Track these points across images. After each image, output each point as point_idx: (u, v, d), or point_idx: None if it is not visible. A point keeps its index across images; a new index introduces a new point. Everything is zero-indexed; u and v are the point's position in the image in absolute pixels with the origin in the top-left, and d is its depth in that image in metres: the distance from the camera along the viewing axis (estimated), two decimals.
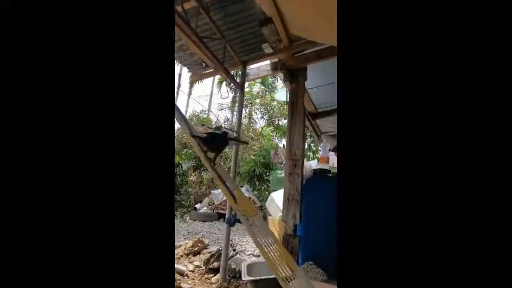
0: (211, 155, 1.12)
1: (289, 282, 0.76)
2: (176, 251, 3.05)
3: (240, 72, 2.66)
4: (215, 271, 2.45)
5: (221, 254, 2.35)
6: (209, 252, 2.82)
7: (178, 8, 1.65)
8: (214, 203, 6.10)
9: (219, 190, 6.19)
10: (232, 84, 2.61)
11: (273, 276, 1.84)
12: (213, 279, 2.36)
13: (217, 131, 1.24)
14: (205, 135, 1.19)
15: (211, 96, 11.74)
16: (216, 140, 1.17)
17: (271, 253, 0.82)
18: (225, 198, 5.76)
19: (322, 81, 2.98)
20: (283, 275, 0.77)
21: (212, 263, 2.54)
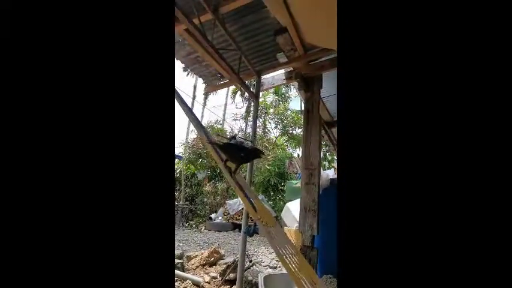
0: (231, 164, 1.10)
1: None
2: (192, 261, 3.03)
3: (254, 82, 2.68)
4: (231, 282, 2.41)
5: (237, 264, 2.31)
6: (225, 263, 2.78)
7: (195, 21, 1.70)
8: (229, 213, 6.08)
9: (234, 200, 6.18)
10: (246, 94, 2.64)
11: None
12: None
13: (243, 143, 1.21)
14: (232, 142, 1.15)
15: (225, 106, 11.90)
16: (242, 152, 1.11)
17: (293, 264, 0.80)
18: (240, 208, 5.73)
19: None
20: (306, 287, 0.74)
21: (228, 274, 2.50)
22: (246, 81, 2.62)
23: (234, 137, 2.09)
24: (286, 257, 0.80)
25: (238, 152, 1.09)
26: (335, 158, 6.27)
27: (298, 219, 2.36)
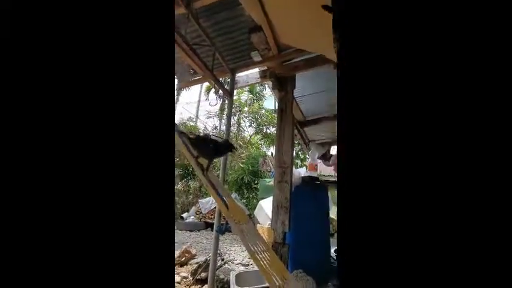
0: (203, 161, 1.07)
1: None
2: None
3: (228, 80, 2.66)
4: (203, 282, 2.39)
5: (209, 264, 2.29)
6: (196, 263, 2.74)
7: None
8: (201, 212, 5.99)
9: (207, 199, 6.10)
10: (220, 91, 2.61)
11: (262, 285, 1.81)
12: None
13: (218, 139, 1.18)
14: (200, 136, 1.12)
15: (199, 103, 11.68)
16: (212, 144, 1.08)
17: (264, 261, 0.80)
18: (213, 207, 5.67)
19: (310, 90, 3.03)
20: (276, 283, 0.75)
21: (200, 273, 2.47)
22: (220, 79, 2.59)
23: (207, 135, 2.06)
24: (258, 254, 0.81)
25: (208, 144, 1.07)
26: (307, 156, 6.43)
27: (270, 217, 2.40)
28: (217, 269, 2.36)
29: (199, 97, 11.35)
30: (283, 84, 2.38)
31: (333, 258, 2.79)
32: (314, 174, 2.59)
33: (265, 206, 4.14)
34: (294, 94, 2.56)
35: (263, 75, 2.55)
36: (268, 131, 8.86)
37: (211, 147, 1.06)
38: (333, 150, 4.65)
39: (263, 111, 9.02)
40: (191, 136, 1.10)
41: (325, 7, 1.14)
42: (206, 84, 7.89)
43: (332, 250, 2.89)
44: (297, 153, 7.35)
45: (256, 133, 9.05)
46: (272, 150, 8.21)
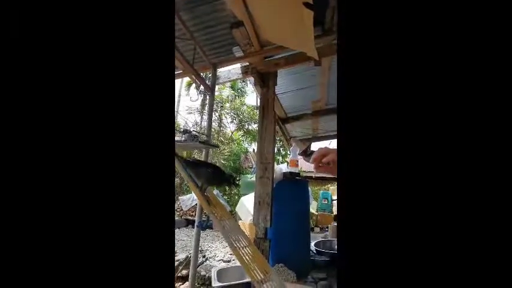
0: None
1: (263, 284, 0.75)
2: None
3: (210, 75, 2.62)
4: (184, 279, 2.36)
5: (190, 261, 2.27)
6: (177, 260, 2.70)
7: None
8: (182, 209, 5.90)
9: (188, 196, 6.01)
10: (201, 86, 2.57)
11: (243, 281, 1.82)
12: None
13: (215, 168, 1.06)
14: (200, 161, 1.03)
15: (179, 98, 11.44)
16: (214, 172, 1.00)
17: (246, 256, 0.81)
18: (194, 203, 5.60)
19: (292, 87, 3.06)
20: (258, 277, 0.76)
21: (181, 271, 2.44)
22: (202, 74, 2.55)
23: (187, 131, 2.02)
24: (240, 249, 0.81)
25: (207, 168, 1.01)
26: (288, 153, 6.51)
27: (252, 213, 2.41)
28: (199, 265, 2.35)
29: (180, 92, 11.09)
30: (265, 81, 2.39)
31: (313, 252, 2.87)
32: (295, 170, 2.62)
33: (247, 203, 4.15)
34: (276, 91, 2.57)
35: (245, 71, 2.54)
36: (250, 127, 8.87)
37: (210, 172, 0.99)
38: (313, 146, 4.75)
39: (245, 107, 9.01)
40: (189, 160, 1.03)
41: (306, 4, 1.15)
42: (187, 79, 7.73)
43: (312, 244, 2.96)
44: (278, 150, 7.42)
45: (238, 129, 9.03)
46: (254, 146, 8.23)
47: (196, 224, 2.05)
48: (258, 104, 2.49)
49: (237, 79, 2.81)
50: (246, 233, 2.70)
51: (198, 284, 2.26)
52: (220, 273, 1.98)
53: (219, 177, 1.02)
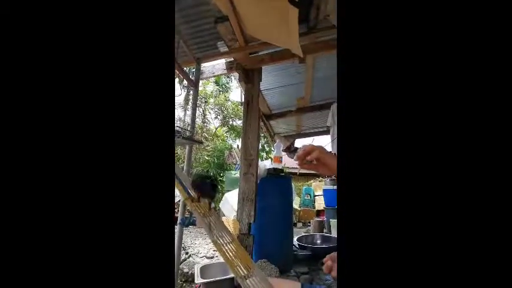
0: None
1: (246, 279, 0.76)
2: None
3: (193, 69, 2.58)
4: None
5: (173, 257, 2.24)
6: None
7: None
8: None
9: None
10: (185, 81, 2.51)
11: (226, 277, 1.83)
12: None
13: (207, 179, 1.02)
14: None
15: None
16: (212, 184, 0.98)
17: (229, 252, 0.81)
18: (176, 200, 5.52)
19: (276, 83, 3.07)
20: (241, 273, 0.77)
21: None
22: (185, 68, 2.50)
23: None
24: (223, 246, 0.81)
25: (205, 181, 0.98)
26: (272, 149, 6.56)
27: (235, 209, 2.41)
28: (181, 262, 2.32)
29: None
30: (249, 77, 2.38)
31: (296, 247, 2.92)
32: (279, 167, 2.65)
33: (231, 199, 4.15)
34: (261, 87, 2.57)
35: (230, 67, 2.52)
36: (234, 123, 8.82)
37: (209, 183, 0.96)
38: (297, 143, 4.81)
39: (229, 103, 8.94)
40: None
41: (291, 2, 1.16)
42: None
43: (295, 239, 3.01)
44: (262, 146, 7.45)
45: (222, 125, 8.96)
46: (238, 142, 8.21)
47: (178, 221, 2.02)
48: (243, 100, 2.47)
49: (221, 74, 2.78)
50: (230, 229, 2.70)
51: (181, 281, 2.24)
52: (204, 270, 1.97)
53: (215, 189, 1.02)
